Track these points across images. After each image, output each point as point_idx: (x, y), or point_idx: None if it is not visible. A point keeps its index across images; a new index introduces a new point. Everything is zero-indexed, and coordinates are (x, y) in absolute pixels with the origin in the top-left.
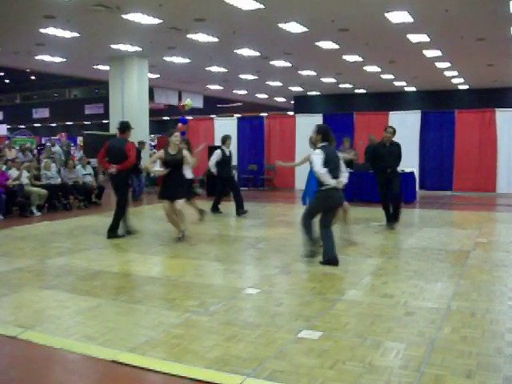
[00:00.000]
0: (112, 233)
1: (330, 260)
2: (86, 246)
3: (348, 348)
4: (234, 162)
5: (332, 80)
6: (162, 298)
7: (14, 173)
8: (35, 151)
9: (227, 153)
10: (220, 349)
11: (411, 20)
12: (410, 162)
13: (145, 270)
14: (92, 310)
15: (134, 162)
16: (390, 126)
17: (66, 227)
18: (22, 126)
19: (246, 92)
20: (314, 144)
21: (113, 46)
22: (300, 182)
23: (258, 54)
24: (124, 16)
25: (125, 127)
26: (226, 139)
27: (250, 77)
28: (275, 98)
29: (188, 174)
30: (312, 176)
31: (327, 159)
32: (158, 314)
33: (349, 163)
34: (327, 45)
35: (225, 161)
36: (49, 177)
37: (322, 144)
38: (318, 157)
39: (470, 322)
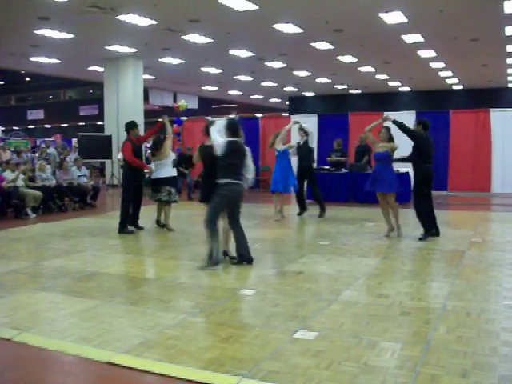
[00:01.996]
0: (120, 227)
1: (245, 258)
2: (82, 247)
3: (343, 348)
4: None
5: (327, 80)
6: (158, 300)
7: (8, 175)
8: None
9: (301, 142)
10: (215, 350)
11: (405, 20)
12: (404, 163)
13: (140, 272)
14: (87, 311)
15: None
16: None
17: (62, 229)
18: (17, 128)
19: (241, 93)
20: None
21: (107, 48)
22: None
23: (252, 54)
24: (118, 17)
25: (126, 127)
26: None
27: (244, 78)
28: (270, 99)
29: (169, 171)
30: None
31: (228, 152)
32: (153, 316)
33: (341, 164)
34: (322, 45)
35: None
36: (44, 178)
37: (229, 139)
38: (221, 141)
39: (465, 322)
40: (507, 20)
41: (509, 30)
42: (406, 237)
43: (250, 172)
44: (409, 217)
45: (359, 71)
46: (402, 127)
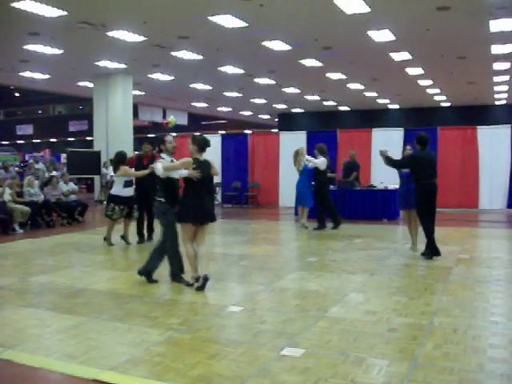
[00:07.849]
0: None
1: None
2: (69, 263)
3: (331, 365)
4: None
5: (316, 97)
6: (145, 316)
7: None
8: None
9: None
10: (202, 366)
11: (393, 38)
12: (393, 179)
13: (127, 288)
14: (74, 328)
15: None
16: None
17: (49, 244)
18: (6, 143)
19: (230, 109)
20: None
21: (97, 63)
22: (284, 199)
23: (242, 71)
24: (108, 33)
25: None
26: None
27: (234, 94)
28: (259, 116)
29: (129, 190)
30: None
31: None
32: (140, 332)
33: (330, 181)
34: (311, 62)
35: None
36: (32, 194)
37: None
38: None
39: (452, 338)
40: (493, 38)
41: (495, 49)
42: (394, 253)
43: None
44: (398, 233)
45: (348, 88)
46: (390, 162)
